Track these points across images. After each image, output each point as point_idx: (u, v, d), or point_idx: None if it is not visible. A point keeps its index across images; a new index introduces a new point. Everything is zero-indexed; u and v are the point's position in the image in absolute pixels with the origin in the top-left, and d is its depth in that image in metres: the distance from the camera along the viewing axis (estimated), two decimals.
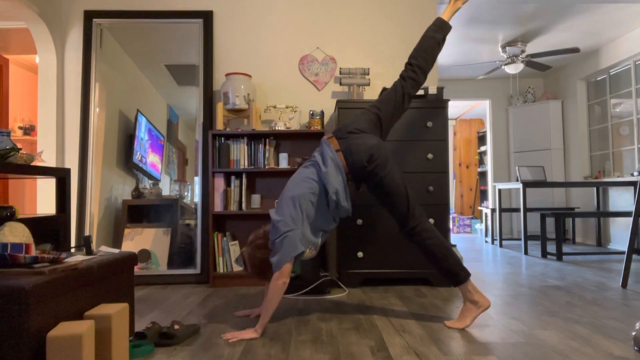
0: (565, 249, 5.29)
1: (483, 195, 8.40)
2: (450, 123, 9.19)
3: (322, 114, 3.29)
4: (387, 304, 2.60)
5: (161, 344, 1.88)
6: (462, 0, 2.44)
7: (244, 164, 3.21)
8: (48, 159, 3.38)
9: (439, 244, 2.17)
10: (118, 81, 3.50)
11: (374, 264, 3.06)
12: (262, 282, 3.17)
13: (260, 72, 3.57)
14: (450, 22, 4.65)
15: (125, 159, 3.44)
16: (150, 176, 3.43)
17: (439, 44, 2.40)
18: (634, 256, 4.60)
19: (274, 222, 2.11)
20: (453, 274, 2.15)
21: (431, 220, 3.05)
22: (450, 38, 5.11)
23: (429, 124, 3.10)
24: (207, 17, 3.52)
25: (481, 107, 8.25)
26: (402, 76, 2.39)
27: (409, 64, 2.39)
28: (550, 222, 6.39)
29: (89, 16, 3.50)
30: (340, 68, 3.38)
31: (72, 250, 3.00)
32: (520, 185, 4.90)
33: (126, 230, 3.36)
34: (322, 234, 2.23)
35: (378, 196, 2.25)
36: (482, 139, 8.56)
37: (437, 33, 2.39)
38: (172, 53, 3.52)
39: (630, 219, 4.87)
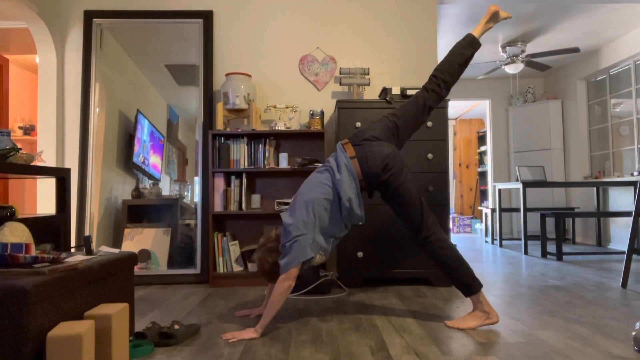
0: (565, 249, 5.29)
1: (483, 195, 8.40)
2: (450, 123, 9.19)
3: (322, 113, 3.29)
4: (387, 304, 2.60)
5: (161, 344, 1.88)
6: (495, 21, 2.38)
7: (244, 164, 3.21)
8: (48, 159, 3.38)
9: (452, 254, 2.17)
10: (118, 81, 3.50)
11: (374, 264, 3.06)
12: (264, 282, 3.17)
13: (260, 72, 3.57)
14: (450, 23, 4.65)
15: (125, 159, 3.44)
16: (150, 176, 3.43)
17: (467, 60, 2.32)
18: (634, 256, 4.60)
19: (285, 225, 2.10)
20: (465, 284, 2.15)
21: None
22: (450, 38, 5.11)
23: (429, 124, 3.10)
24: (207, 17, 3.52)
25: (481, 107, 8.25)
26: (425, 88, 2.32)
27: (434, 77, 2.32)
28: (550, 222, 6.39)
29: (89, 16, 3.50)
30: (340, 68, 3.38)
31: (72, 250, 3.01)
32: (520, 185, 4.90)
33: (126, 230, 3.36)
34: (332, 240, 2.21)
35: (392, 205, 2.24)
36: (482, 139, 8.56)
37: (467, 50, 2.32)
38: (172, 53, 3.52)
39: (630, 219, 4.87)
